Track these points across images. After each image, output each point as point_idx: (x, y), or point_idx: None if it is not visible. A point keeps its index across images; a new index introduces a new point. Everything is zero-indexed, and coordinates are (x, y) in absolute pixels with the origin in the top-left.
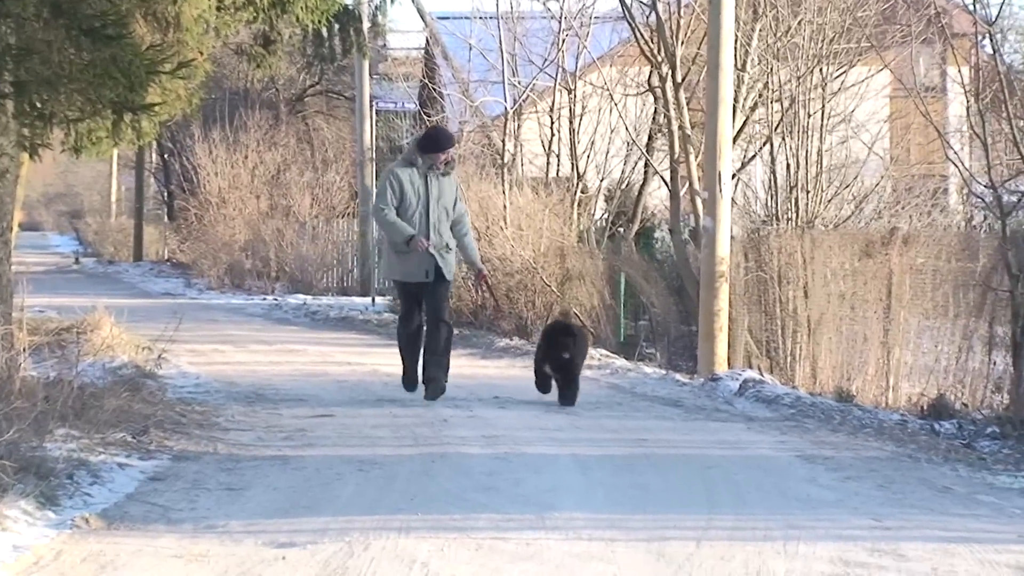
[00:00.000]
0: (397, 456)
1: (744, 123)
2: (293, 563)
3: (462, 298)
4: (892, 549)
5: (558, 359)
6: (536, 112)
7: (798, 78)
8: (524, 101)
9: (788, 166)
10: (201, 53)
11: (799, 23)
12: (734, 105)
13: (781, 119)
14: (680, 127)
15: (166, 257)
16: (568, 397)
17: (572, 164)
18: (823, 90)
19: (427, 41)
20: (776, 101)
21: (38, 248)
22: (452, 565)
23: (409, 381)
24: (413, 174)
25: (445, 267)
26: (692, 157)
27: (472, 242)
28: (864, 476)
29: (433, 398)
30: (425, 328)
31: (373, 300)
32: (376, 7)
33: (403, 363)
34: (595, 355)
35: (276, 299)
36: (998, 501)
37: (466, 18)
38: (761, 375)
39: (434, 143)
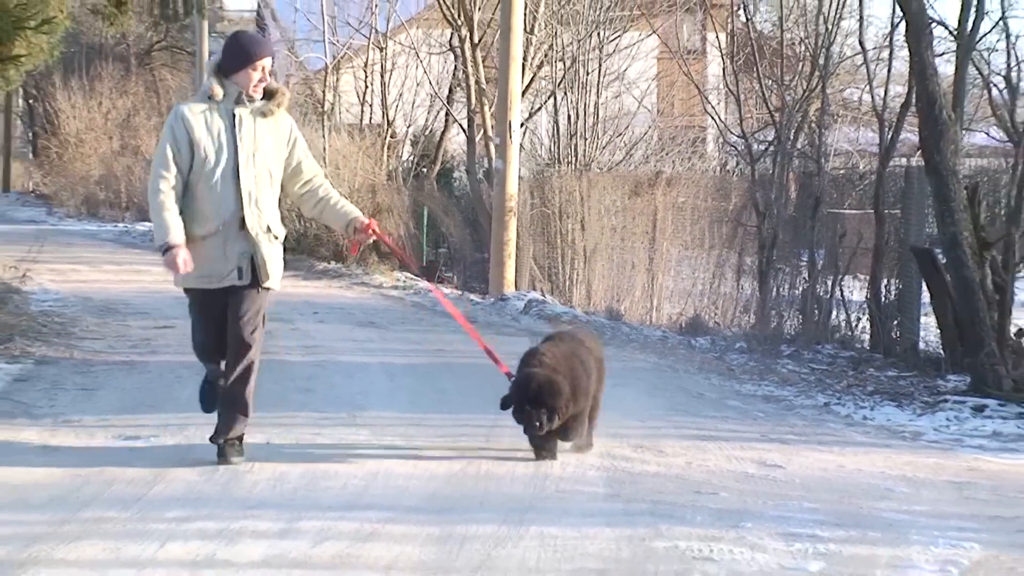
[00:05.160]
0: None
1: (532, 79)
2: (139, 454)
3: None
4: (653, 446)
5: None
6: (352, 67)
7: (579, 41)
8: (342, 57)
9: (569, 117)
10: (61, 11)
11: None
12: (523, 63)
13: (563, 76)
14: (476, 82)
15: (31, 189)
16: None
17: (383, 112)
18: (600, 51)
19: (258, 4)
20: (560, 60)
21: None
22: (274, 459)
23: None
24: (211, 113)
25: (266, 265)
26: (486, 108)
27: (344, 201)
28: (631, 383)
29: (226, 462)
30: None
31: None
32: None
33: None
34: (401, 278)
35: (126, 226)
36: (744, 406)
37: None
38: (543, 296)
39: (239, 54)
